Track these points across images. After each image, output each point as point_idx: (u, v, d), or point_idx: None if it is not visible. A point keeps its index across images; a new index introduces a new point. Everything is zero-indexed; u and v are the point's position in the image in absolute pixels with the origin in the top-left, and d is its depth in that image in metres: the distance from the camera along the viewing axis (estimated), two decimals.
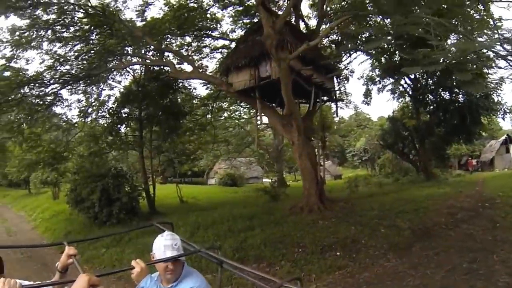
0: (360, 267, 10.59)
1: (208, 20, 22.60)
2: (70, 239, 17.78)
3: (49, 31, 18.05)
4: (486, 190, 20.67)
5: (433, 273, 9.44)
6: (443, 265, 9.84)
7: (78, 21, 18.48)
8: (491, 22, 19.58)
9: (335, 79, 22.57)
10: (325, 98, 22.21)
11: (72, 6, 17.23)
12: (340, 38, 23.90)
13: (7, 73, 18.04)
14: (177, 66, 22.41)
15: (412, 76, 29.38)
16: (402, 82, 31.39)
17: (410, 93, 31.77)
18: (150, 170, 26.19)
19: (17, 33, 17.24)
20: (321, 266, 10.64)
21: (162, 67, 22.68)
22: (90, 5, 17.42)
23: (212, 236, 14.08)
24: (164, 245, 3.10)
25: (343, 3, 22.39)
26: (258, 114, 20.55)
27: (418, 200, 18.03)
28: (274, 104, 20.92)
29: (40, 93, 20.03)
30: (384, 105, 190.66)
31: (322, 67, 18.24)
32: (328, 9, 22.71)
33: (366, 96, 32.08)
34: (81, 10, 17.74)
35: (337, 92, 26.31)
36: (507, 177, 28.65)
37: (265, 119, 21.68)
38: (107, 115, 24.92)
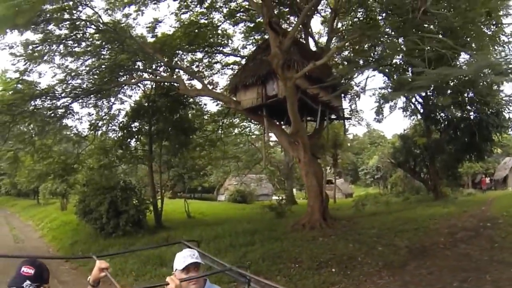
0: (353, 283, 10.76)
1: (219, 36, 22.83)
2: (76, 248, 18.32)
3: (61, 46, 18.45)
4: (491, 210, 20.39)
5: None
6: (434, 284, 10.02)
7: (89, 37, 18.85)
8: (503, 38, 19.64)
9: (343, 97, 22.63)
10: (333, 116, 22.28)
11: (83, 22, 17.62)
12: (351, 55, 23.95)
13: (20, 86, 18.49)
14: (188, 82, 22.83)
15: (423, 94, 29.33)
16: (413, 100, 31.28)
17: (421, 111, 31.63)
18: (159, 185, 26.43)
19: (30, 47, 17.63)
20: (315, 282, 10.81)
21: (172, 82, 22.84)
22: (101, 21, 17.83)
23: (213, 250, 14.22)
24: (183, 256, 3.27)
25: (355, 20, 22.49)
26: (265, 132, 20.84)
27: (420, 220, 18.01)
28: (282, 122, 21.07)
29: (52, 106, 20.39)
30: (399, 123, 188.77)
31: (329, 85, 18.39)
32: (340, 25, 22.90)
33: (377, 114, 31.89)
34: (93, 26, 18.12)
35: (348, 109, 26.43)
36: None
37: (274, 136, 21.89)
38: (118, 129, 25.29)
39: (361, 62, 21.34)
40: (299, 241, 14.59)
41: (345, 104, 25.36)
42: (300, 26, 19.87)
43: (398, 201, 32.52)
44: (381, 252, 13.02)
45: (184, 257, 3.25)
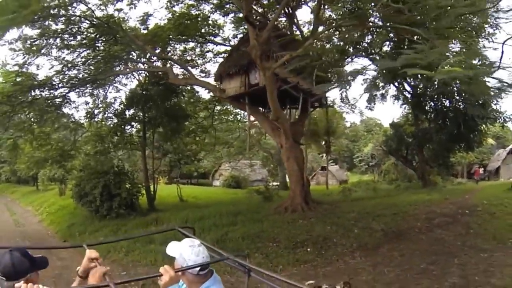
0: (325, 262, 11.49)
1: (210, 26, 23.05)
2: (73, 230, 18.98)
3: (58, 40, 18.99)
4: (474, 198, 20.70)
5: (389, 271, 10.25)
6: (402, 265, 10.65)
7: (84, 30, 19.30)
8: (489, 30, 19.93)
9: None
10: (316, 104, 22.83)
11: (78, 17, 18.09)
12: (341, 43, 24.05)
13: (19, 78, 18.98)
14: (181, 71, 23.36)
15: (412, 83, 29.49)
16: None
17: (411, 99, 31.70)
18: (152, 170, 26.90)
19: (28, 41, 18.27)
20: (290, 259, 11.59)
21: (162, 72, 23.16)
22: (95, 16, 18.26)
23: (198, 229, 14.86)
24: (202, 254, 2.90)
25: (344, 9, 22.63)
26: (248, 119, 21.47)
27: (401, 205, 18.57)
28: (265, 110, 21.64)
29: (50, 96, 20.97)
30: (397, 111, 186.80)
31: (309, 74, 18.59)
32: (328, 15, 23.12)
33: (369, 102, 31.97)
34: (87, 21, 18.59)
35: (339, 97, 26.76)
36: (502, 186, 28.01)
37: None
38: (113, 117, 25.80)
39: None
40: (279, 223, 15.28)
41: (336, 92, 25.66)
42: (286, 17, 20.38)
43: (389, 188, 32.94)
44: (356, 235, 13.67)
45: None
